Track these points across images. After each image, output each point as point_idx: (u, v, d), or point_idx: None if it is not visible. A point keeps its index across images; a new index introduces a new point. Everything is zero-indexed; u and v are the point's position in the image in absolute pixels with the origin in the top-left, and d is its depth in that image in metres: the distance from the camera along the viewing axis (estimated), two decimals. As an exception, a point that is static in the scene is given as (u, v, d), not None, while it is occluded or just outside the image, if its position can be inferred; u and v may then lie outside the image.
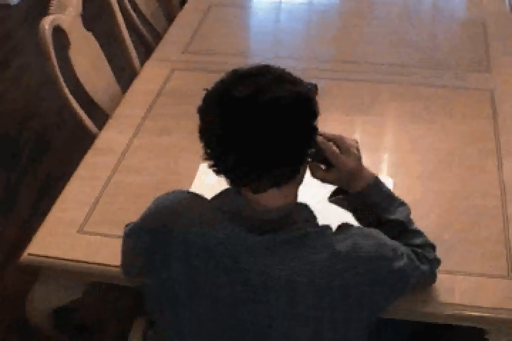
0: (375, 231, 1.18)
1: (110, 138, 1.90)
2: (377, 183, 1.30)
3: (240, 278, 1.11)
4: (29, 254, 1.52)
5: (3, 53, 3.81)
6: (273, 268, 1.09)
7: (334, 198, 1.35)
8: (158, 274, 1.16)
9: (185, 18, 2.56)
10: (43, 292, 1.59)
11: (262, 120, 1.02)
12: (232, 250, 1.11)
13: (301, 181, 1.18)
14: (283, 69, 1.12)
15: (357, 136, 1.86)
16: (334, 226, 1.18)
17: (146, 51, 2.40)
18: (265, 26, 2.59)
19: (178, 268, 1.14)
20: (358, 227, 1.19)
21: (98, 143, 1.88)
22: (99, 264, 1.49)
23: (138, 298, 1.25)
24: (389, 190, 1.33)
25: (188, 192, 1.23)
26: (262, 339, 1.15)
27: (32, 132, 3.15)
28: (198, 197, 1.20)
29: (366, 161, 1.73)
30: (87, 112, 2.02)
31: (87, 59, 2.03)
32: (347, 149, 1.23)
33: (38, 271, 1.57)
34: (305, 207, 1.17)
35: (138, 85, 2.12)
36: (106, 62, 2.16)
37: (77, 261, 1.50)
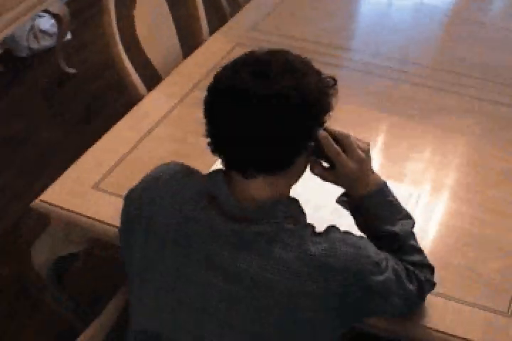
0: (361, 240, 1.13)
1: (152, 104, 1.91)
2: (382, 191, 1.24)
3: (204, 261, 1.09)
4: (41, 200, 1.55)
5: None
6: (240, 260, 1.07)
7: (340, 199, 1.30)
8: (125, 242, 1.16)
9: (266, -4, 2.52)
10: (49, 240, 1.62)
11: (258, 106, 1.00)
12: (205, 234, 1.09)
13: (297, 176, 1.15)
14: (302, 58, 1.09)
15: (398, 142, 1.81)
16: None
17: (220, 24, 2.38)
18: (349, 17, 2.51)
19: (137, 242, 1.15)
20: (343, 232, 1.13)
21: (140, 106, 1.90)
22: (102, 222, 1.51)
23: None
24: (395, 200, 1.26)
25: (183, 166, 1.21)
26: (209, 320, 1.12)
27: (102, 83, 3.23)
28: (189, 173, 1.19)
29: (397, 169, 1.71)
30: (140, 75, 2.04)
31: (152, 21, 2.03)
32: (351, 149, 1.17)
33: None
34: (293, 203, 1.13)
35: (197, 56, 2.12)
36: (173, 28, 2.16)
37: (83, 216, 1.52)
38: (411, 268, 1.21)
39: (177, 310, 1.14)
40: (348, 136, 1.18)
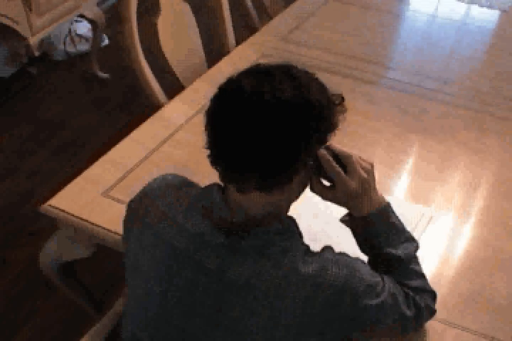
0: (355, 262, 1.10)
1: (175, 110, 1.92)
2: (384, 212, 1.20)
3: (195, 268, 1.08)
4: (49, 205, 1.56)
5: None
6: (232, 270, 1.05)
7: (343, 217, 1.27)
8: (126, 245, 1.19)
9: (299, 6, 2.51)
10: (56, 244, 1.62)
11: (254, 117, 0.98)
12: (195, 246, 1.08)
13: (295, 194, 1.13)
14: (308, 73, 1.07)
15: (427, 163, 1.77)
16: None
17: (249, 34, 2.37)
18: (388, 33, 2.45)
19: (131, 251, 1.16)
20: (338, 253, 1.10)
21: (160, 113, 1.90)
22: (108, 230, 1.50)
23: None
24: (398, 222, 1.23)
25: (180, 178, 1.21)
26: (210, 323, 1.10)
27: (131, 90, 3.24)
28: (185, 185, 1.18)
29: (421, 190, 1.67)
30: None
31: (177, 29, 2.03)
32: (353, 169, 1.14)
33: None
34: (289, 221, 1.11)
35: (222, 65, 2.11)
36: (198, 37, 2.15)
37: (90, 223, 1.52)
38: (411, 293, 1.18)
39: (164, 308, 1.13)
40: (349, 156, 1.15)
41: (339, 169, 1.13)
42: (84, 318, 1.44)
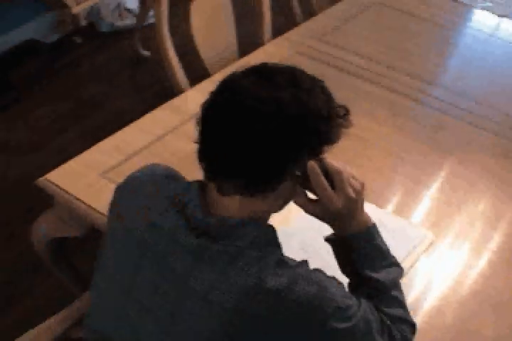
0: (327, 281, 1.03)
1: (190, 99, 1.87)
2: (368, 233, 1.15)
3: (161, 268, 1.04)
4: (46, 179, 1.54)
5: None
6: (194, 277, 1.01)
7: (328, 236, 1.21)
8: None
9: (342, 7, 2.43)
10: (50, 219, 1.62)
11: (245, 121, 0.96)
12: (163, 243, 1.04)
13: (280, 204, 1.08)
14: (315, 79, 1.03)
15: (453, 190, 1.69)
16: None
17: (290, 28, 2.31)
18: (436, 48, 2.30)
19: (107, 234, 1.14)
20: (312, 270, 1.04)
21: (176, 100, 1.86)
22: (98, 211, 1.48)
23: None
24: (383, 245, 1.17)
25: (166, 169, 1.17)
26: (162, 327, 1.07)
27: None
28: (169, 177, 1.14)
29: (432, 212, 1.60)
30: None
31: (210, 17, 1.98)
32: (341, 186, 1.09)
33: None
34: (267, 230, 1.06)
35: (251, 57, 2.06)
36: (233, 27, 2.11)
37: (81, 201, 1.50)
38: (387, 321, 1.12)
39: (123, 308, 1.10)
40: (340, 172, 1.09)
41: (326, 184, 1.08)
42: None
